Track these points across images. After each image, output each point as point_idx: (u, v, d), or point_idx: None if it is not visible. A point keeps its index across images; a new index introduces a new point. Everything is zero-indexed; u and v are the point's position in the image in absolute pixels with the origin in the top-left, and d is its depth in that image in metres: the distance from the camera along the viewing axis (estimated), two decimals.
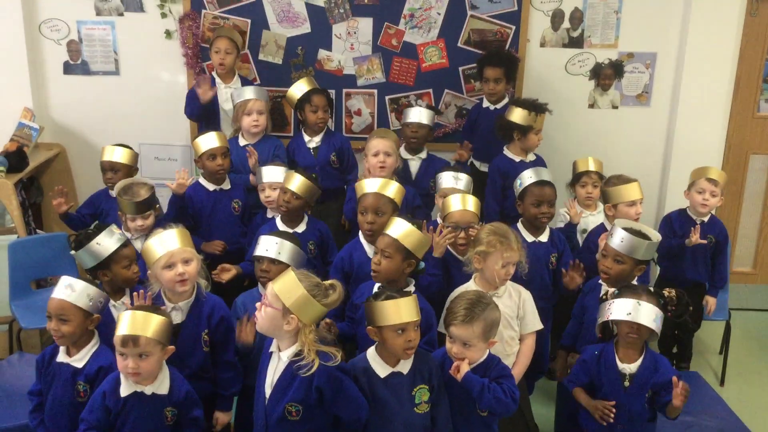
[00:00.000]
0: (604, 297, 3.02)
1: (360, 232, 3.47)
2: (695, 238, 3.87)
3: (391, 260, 2.99)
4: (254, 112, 4.24)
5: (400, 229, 3.02)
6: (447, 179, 3.80)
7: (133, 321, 2.54)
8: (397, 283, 3.03)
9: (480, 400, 2.60)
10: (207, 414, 2.94)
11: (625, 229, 3.19)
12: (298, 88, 4.37)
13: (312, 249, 3.66)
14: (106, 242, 3.07)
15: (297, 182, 3.62)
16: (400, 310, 2.52)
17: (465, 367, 2.61)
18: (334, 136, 4.45)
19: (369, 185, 3.48)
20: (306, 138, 4.38)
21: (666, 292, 2.92)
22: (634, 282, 3.19)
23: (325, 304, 2.50)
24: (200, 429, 2.76)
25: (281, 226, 3.67)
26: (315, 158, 4.33)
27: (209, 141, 3.96)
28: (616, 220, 3.38)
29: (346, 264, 3.41)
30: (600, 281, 3.30)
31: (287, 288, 2.47)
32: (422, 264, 3.14)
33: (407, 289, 3.02)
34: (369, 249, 3.38)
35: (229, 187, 4.06)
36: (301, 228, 3.68)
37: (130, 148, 4.06)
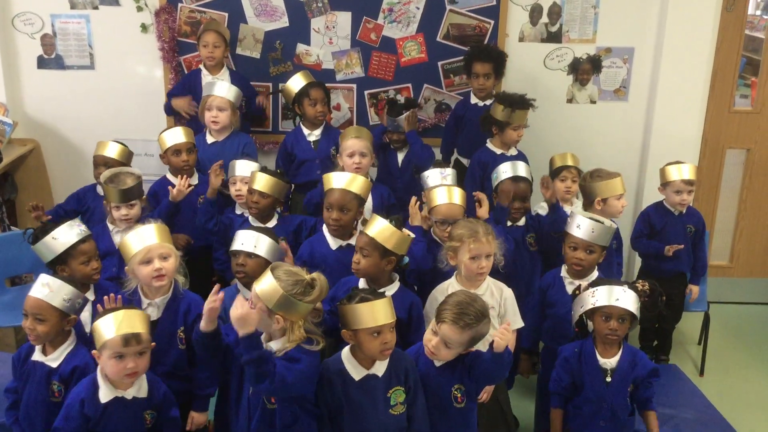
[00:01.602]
0: (576, 291, 3.03)
1: (324, 225, 3.48)
2: (672, 250, 3.97)
3: (369, 258, 3.00)
4: (213, 108, 4.20)
5: (376, 228, 3.03)
6: (434, 178, 3.78)
7: (125, 319, 2.49)
8: (379, 281, 3.03)
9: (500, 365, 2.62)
10: (182, 414, 2.89)
11: (590, 218, 3.25)
12: (296, 82, 4.36)
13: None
14: (64, 236, 3.01)
15: (261, 181, 3.61)
16: (375, 313, 2.51)
17: (509, 338, 2.60)
18: (334, 131, 4.43)
19: (336, 180, 3.47)
20: (305, 131, 4.36)
21: (639, 285, 2.96)
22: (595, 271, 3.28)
23: (307, 302, 2.48)
24: (178, 429, 2.73)
25: (253, 221, 3.67)
26: (315, 151, 4.32)
27: (174, 136, 3.94)
28: (574, 210, 3.40)
29: (306, 256, 3.40)
30: (562, 274, 3.33)
31: (267, 290, 2.47)
32: (406, 259, 3.14)
33: (392, 286, 3.05)
34: (332, 242, 3.40)
35: (196, 182, 4.02)
36: (271, 224, 3.67)
37: (125, 145, 4.01)
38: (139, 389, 2.59)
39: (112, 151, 3.93)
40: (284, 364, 2.43)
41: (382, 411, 2.57)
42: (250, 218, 3.70)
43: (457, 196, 3.47)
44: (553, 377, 2.99)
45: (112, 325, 2.48)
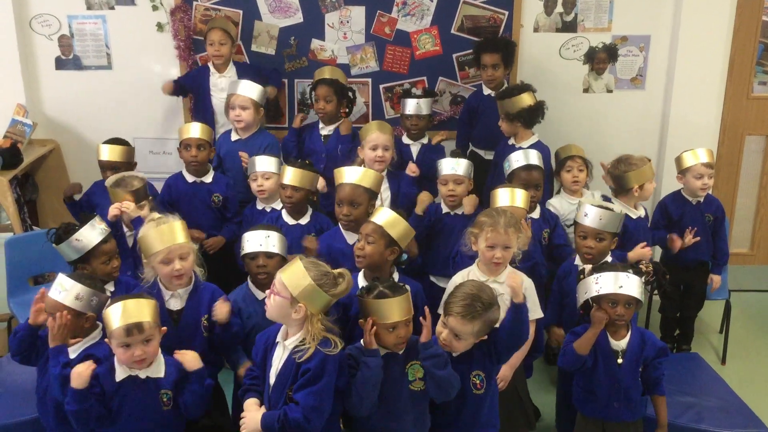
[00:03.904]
0: (581, 276, 3.02)
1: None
2: (688, 239, 3.94)
3: (374, 246, 3.01)
4: (236, 106, 4.24)
5: (384, 216, 3.05)
6: (447, 166, 3.78)
7: (128, 309, 2.54)
8: (380, 270, 3.04)
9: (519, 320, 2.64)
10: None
11: (598, 206, 3.23)
12: (315, 76, 4.42)
13: None
14: (86, 237, 3.06)
15: (291, 174, 3.64)
16: (393, 309, 2.54)
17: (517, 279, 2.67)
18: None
19: (347, 174, 3.47)
20: (321, 125, 4.41)
21: (643, 267, 2.97)
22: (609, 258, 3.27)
23: (333, 294, 2.50)
24: (199, 398, 2.70)
25: (287, 218, 3.70)
26: (324, 145, 4.35)
27: (187, 131, 3.99)
28: (582, 199, 3.40)
29: (324, 253, 3.39)
30: (576, 263, 3.33)
31: (295, 278, 2.48)
32: (405, 255, 3.16)
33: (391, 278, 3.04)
34: (348, 237, 3.40)
35: (210, 180, 4.05)
36: (304, 220, 3.71)
37: (125, 142, 4.05)
38: (156, 370, 2.63)
39: (115, 153, 3.98)
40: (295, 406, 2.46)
41: (401, 386, 2.60)
42: (284, 214, 3.73)
43: (520, 198, 3.42)
44: (566, 345, 2.97)
45: (117, 315, 2.53)
